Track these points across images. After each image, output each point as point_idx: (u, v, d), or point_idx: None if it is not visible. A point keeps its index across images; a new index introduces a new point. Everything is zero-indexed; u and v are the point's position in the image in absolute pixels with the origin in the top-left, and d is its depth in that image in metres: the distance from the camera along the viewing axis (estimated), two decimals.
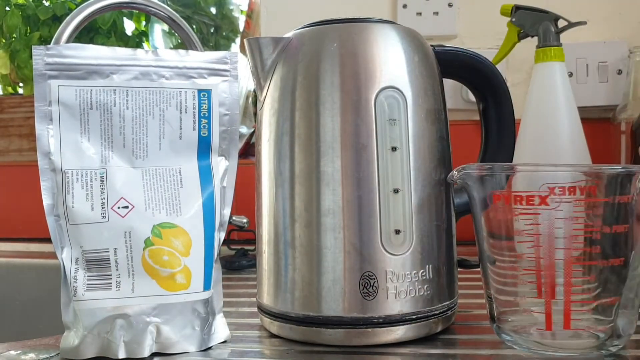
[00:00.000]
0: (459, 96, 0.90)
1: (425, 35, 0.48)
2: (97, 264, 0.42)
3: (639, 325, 0.48)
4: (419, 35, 0.47)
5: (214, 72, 0.47)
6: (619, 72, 0.86)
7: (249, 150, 1.02)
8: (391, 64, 0.44)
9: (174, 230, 0.43)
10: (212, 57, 0.47)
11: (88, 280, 0.42)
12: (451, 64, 0.49)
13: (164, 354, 0.42)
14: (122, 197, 0.43)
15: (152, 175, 0.44)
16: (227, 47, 1.12)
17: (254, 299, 0.49)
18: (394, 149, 0.43)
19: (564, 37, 0.70)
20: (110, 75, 0.44)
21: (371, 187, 0.42)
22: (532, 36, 0.72)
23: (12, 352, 0.44)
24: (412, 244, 0.43)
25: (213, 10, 1.10)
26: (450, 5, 0.93)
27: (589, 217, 0.39)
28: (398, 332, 0.43)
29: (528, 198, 0.39)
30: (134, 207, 0.43)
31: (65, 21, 0.66)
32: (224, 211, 0.47)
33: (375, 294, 0.42)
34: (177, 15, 0.75)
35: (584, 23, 0.71)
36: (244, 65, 0.74)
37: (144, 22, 1.16)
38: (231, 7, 1.13)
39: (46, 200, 0.43)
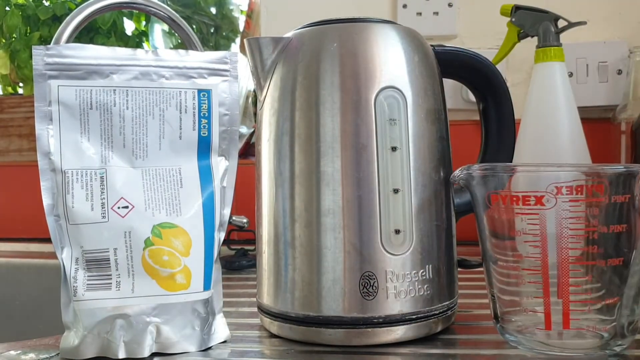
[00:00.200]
0: (459, 96, 0.90)
1: (425, 35, 0.48)
2: (97, 264, 0.42)
3: None
4: (419, 35, 0.47)
5: (214, 72, 0.47)
6: (619, 72, 0.86)
7: (249, 150, 1.02)
8: (391, 64, 0.44)
9: (174, 230, 0.43)
10: (212, 57, 0.47)
11: (88, 280, 0.42)
12: (451, 64, 0.49)
13: (164, 354, 0.42)
14: (122, 197, 0.43)
15: (152, 175, 0.44)
16: (227, 47, 1.12)
17: (254, 299, 0.49)
18: (394, 149, 0.43)
19: (564, 37, 0.70)
20: (110, 75, 0.44)
21: (371, 187, 0.42)
22: (532, 36, 0.72)
23: (12, 352, 0.44)
24: (412, 244, 0.43)
25: (213, 10, 1.10)
26: (450, 5, 0.93)
27: (589, 217, 0.39)
28: (398, 332, 0.43)
29: (524, 198, 0.39)
30: (134, 207, 0.43)
31: (65, 21, 0.66)
32: (224, 211, 0.47)
33: (375, 294, 0.42)
34: (177, 15, 0.75)
35: (584, 23, 0.71)
36: (244, 65, 0.74)
37: (144, 22, 1.17)
38: (231, 7, 1.13)
39: (46, 200, 0.43)
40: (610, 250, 0.39)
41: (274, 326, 0.46)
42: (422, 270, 0.43)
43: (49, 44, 0.62)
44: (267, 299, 0.46)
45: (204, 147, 0.46)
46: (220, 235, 0.46)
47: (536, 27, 0.71)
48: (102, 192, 0.43)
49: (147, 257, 0.42)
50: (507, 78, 0.87)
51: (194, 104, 0.46)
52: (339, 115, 0.43)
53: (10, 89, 1.19)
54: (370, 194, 0.42)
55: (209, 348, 0.44)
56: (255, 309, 0.49)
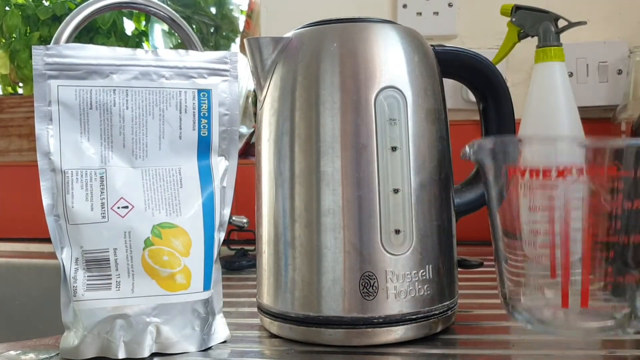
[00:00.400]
0: (459, 96, 0.90)
1: (425, 35, 0.48)
2: (97, 264, 0.42)
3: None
4: (419, 35, 0.47)
5: (214, 72, 0.47)
6: (619, 72, 0.86)
7: (249, 150, 1.02)
8: (391, 64, 0.44)
9: (173, 230, 0.43)
10: (212, 57, 0.47)
11: (88, 280, 0.42)
12: (451, 64, 0.49)
13: (164, 354, 0.42)
14: (121, 197, 0.43)
15: (152, 175, 0.44)
16: (227, 47, 1.12)
17: (254, 299, 0.49)
18: (394, 149, 0.43)
19: (564, 37, 0.70)
20: (110, 75, 0.44)
21: (371, 187, 0.42)
22: (532, 36, 0.72)
23: (12, 352, 0.44)
24: (412, 244, 0.43)
25: (213, 10, 1.10)
26: (450, 5, 0.93)
27: (613, 192, 0.37)
28: (398, 332, 0.43)
29: (545, 172, 0.37)
30: (133, 207, 0.43)
31: (65, 21, 0.66)
32: (224, 211, 0.47)
33: (375, 294, 0.42)
34: (177, 15, 0.75)
35: (584, 23, 0.71)
36: (244, 65, 0.74)
37: (144, 22, 1.17)
38: (231, 7, 1.13)
39: (46, 200, 0.43)
40: (633, 227, 0.37)
41: (274, 326, 0.46)
42: (422, 270, 0.43)
43: (49, 44, 0.62)
44: (267, 299, 0.46)
45: (204, 147, 0.46)
46: (220, 235, 0.46)
47: (536, 27, 0.71)
48: (102, 192, 0.43)
49: (147, 257, 0.42)
50: (507, 78, 0.87)
51: (194, 104, 0.46)
52: (339, 115, 0.43)
53: (10, 89, 1.19)
54: (370, 194, 0.42)
55: (209, 348, 0.44)
56: (255, 309, 0.49)
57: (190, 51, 0.46)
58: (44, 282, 0.89)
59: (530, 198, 0.39)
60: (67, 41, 0.65)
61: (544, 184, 0.37)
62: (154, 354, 0.42)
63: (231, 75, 0.47)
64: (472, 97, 0.65)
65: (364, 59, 0.44)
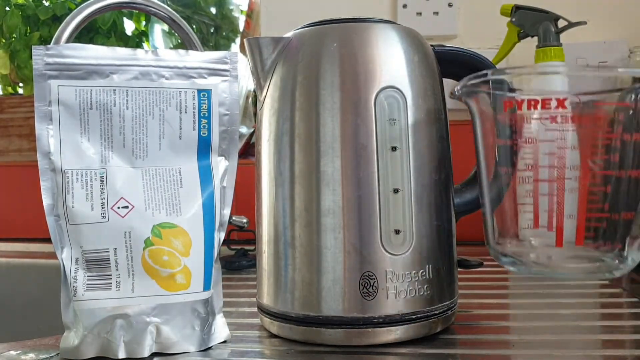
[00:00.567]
0: None
1: (425, 35, 0.48)
2: (97, 264, 0.42)
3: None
4: (419, 35, 0.47)
5: (214, 72, 0.47)
6: None
7: (249, 150, 1.02)
8: (391, 64, 0.44)
9: (173, 230, 0.43)
10: (212, 57, 0.47)
11: (88, 280, 0.42)
12: (451, 64, 0.49)
13: (164, 354, 0.42)
14: (122, 197, 0.43)
15: (152, 175, 0.44)
16: (227, 47, 1.12)
17: (254, 299, 0.49)
18: (394, 149, 0.43)
19: (564, 37, 0.70)
20: (110, 75, 0.44)
21: (371, 187, 0.42)
22: (532, 36, 0.72)
23: (12, 352, 0.44)
24: (412, 244, 0.43)
25: (213, 10, 1.11)
26: (450, 5, 0.93)
27: (613, 122, 0.35)
28: (398, 332, 0.43)
29: (544, 102, 0.36)
30: (133, 207, 0.43)
31: (65, 21, 0.66)
32: (224, 211, 0.47)
33: (375, 294, 0.42)
34: (177, 15, 0.75)
35: (584, 23, 0.71)
36: (244, 65, 0.74)
37: (144, 22, 1.17)
38: (231, 7, 1.13)
39: (46, 200, 0.43)
40: (631, 160, 0.35)
41: (274, 326, 0.46)
42: (422, 270, 0.43)
43: (49, 44, 0.62)
44: (267, 299, 0.46)
45: (204, 147, 0.46)
46: (220, 235, 0.46)
47: (536, 27, 0.71)
48: (102, 192, 0.43)
49: (147, 257, 0.42)
50: None
51: (194, 104, 0.46)
52: (339, 115, 0.43)
53: (10, 89, 1.19)
54: (370, 194, 0.42)
55: (209, 348, 0.44)
56: (255, 309, 0.49)
57: (190, 51, 0.47)
58: (44, 282, 0.89)
59: (527, 130, 0.37)
60: (67, 41, 0.65)
61: (542, 114, 0.36)
62: (154, 354, 0.42)
63: (231, 75, 0.47)
64: None
65: (364, 59, 0.44)
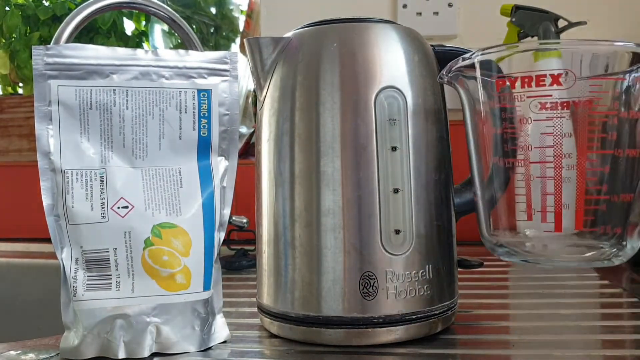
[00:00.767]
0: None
1: (425, 35, 0.48)
2: (97, 264, 0.42)
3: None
4: (419, 35, 0.47)
5: (214, 72, 0.47)
6: None
7: (249, 150, 1.02)
8: (391, 64, 0.44)
9: (173, 230, 0.43)
10: (212, 57, 0.47)
11: (88, 280, 0.42)
12: None
13: (164, 354, 0.42)
14: (121, 197, 0.43)
15: (152, 175, 0.44)
16: (227, 47, 1.12)
17: (254, 299, 0.49)
18: (394, 149, 0.43)
19: (564, 37, 0.70)
20: (110, 75, 0.44)
21: (371, 187, 0.42)
22: (532, 36, 0.72)
23: (12, 352, 0.44)
24: (412, 244, 0.43)
25: (213, 10, 1.11)
26: (450, 5, 0.93)
27: (610, 99, 0.34)
28: (398, 332, 0.43)
29: (538, 78, 0.34)
30: (133, 207, 0.43)
31: (65, 21, 0.66)
32: (224, 211, 0.47)
33: (375, 294, 0.42)
34: (177, 15, 0.75)
35: (584, 23, 0.71)
36: (244, 65, 0.74)
37: (144, 22, 1.17)
38: (231, 7, 1.13)
39: (46, 200, 0.43)
40: (629, 138, 0.34)
41: (274, 326, 0.46)
42: (422, 270, 0.43)
43: (49, 44, 0.62)
44: (267, 299, 0.46)
45: (203, 147, 0.46)
46: (220, 235, 0.46)
47: (536, 27, 0.71)
48: (102, 192, 0.43)
49: (147, 257, 0.42)
50: None
51: (193, 104, 0.46)
52: (339, 115, 0.43)
53: (10, 89, 1.19)
54: (370, 194, 0.42)
55: (209, 348, 0.44)
56: (255, 309, 0.49)
57: (190, 51, 0.46)
58: (44, 282, 0.89)
59: (521, 111, 0.35)
60: (67, 41, 0.65)
61: (536, 92, 0.34)
62: (154, 354, 0.42)
63: (231, 75, 0.47)
64: None
65: (364, 59, 0.44)
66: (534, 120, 0.35)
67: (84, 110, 0.43)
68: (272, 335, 0.46)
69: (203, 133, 0.46)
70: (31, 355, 0.43)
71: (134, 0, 0.70)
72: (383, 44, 0.44)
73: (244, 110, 0.97)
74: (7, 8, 1.10)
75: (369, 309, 0.42)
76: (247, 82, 0.95)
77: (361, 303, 0.42)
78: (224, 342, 0.45)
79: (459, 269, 0.48)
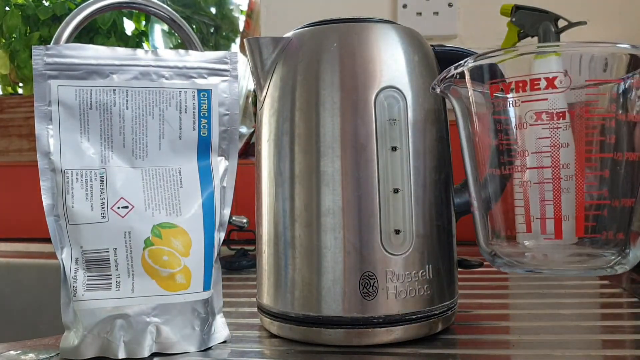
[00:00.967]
0: None
1: (425, 35, 0.48)
2: (96, 264, 0.42)
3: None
4: (419, 35, 0.47)
5: (214, 72, 0.47)
6: None
7: (249, 150, 1.02)
8: (391, 64, 0.44)
9: (173, 230, 0.43)
10: (212, 57, 0.47)
11: (88, 280, 0.42)
12: (451, 64, 0.48)
13: (164, 354, 0.42)
14: (121, 197, 0.43)
15: (152, 175, 0.44)
16: (227, 47, 1.12)
17: (254, 299, 0.49)
18: (394, 149, 0.43)
19: (564, 37, 0.70)
20: (110, 75, 0.44)
21: (371, 187, 0.42)
22: (532, 36, 0.72)
23: (12, 352, 0.44)
24: (412, 244, 0.43)
25: (213, 10, 1.11)
26: (450, 5, 0.93)
27: (607, 101, 0.33)
28: (398, 332, 0.43)
29: (533, 82, 0.33)
30: (133, 207, 0.43)
31: (65, 21, 0.66)
32: (224, 211, 0.47)
33: (375, 294, 0.42)
34: (177, 15, 0.75)
35: (584, 23, 0.71)
36: (244, 65, 0.74)
37: (144, 22, 1.17)
38: (231, 7, 1.13)
39: (46, 200, 0.43)
40: (628, 142, 0.33)
41: (274, 326, 0.46)
42: (422, 270, 0.43)
43: (49, 44, 0.62)
44: (267, 299, 0.46)
45: (203, 147, 0.46)
46: (220, 235, 0.46)
47: (536, 27, 0.71)
48: (102, 192, 0.43)
49: (147, 257, 0.42)
50: None
51: (193, 104, 0.46)
52: (339, 115, 0.43)
53: (10, 89, 1.19)
54: (370, 194, 0.42)
55: (209, 348, 0.44)
56: (255, 309, 0.49)
57: (190, 51, 0.46)
58: (44, 282, 0.89)
59: (518, 116, 0.35)
60: (67, 41, 0.65)
61: (531, 96, 0.34)
62: (154, 354, 0.42)
63: (231, 75, 0.47)
64: None
65: (364, 59, 0.44)
66: (530, 125, 0.34)
67: (84, 110, 0.43)
68: (272, 335, 0.46)
69: (203, 133, 0.46)
70: (31, 355, 0.43)
71: (134, 0, 0.70)
72: (383, 44, 0.44)
73: (244, 110, 0.97)
74: (7, 8, 1.10)
75: (368, 309, 0.42)
76: (247, 82, 0.95)
77: (361, 303, 0.42)
78: (224, 342, 0.45)
79: (459, 269, 0.48)
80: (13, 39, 1.10)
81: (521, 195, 0.36)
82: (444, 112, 0.47)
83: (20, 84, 1.16)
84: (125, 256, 0.42)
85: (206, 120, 0.46)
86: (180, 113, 0.45)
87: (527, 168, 0.35)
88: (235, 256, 0.82)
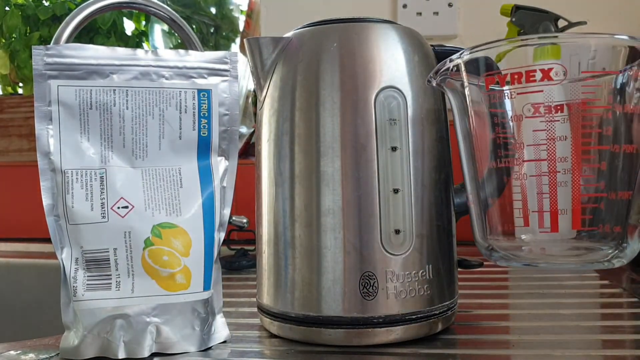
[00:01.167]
0: None
1: (425, 35, 0.48)
2: (96, 264, 0.42)
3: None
4: (419, 35, 0.47)
5: (214, 72, 0.47)
6: None
7: (249, 150, 1.02)
8: (391, 64, 0.44)
9: (173, 230, 0.43)
10: (212, 57, 0.47)
11: (88, 280, 0.42)
12: None
13: (164, 354, 0.42)
14: (121, 197, 0.43)
15: (152, 175, 0.44)
16: (227, 47, 1.12)
17: (254, 299, 0.49)
18: (394, 149, 0.43)
19: None
20: (110, 75, 0.44)
21: (371, 187, 0.42)
22: None
23: (12, 352, 0.44)
24: (412, 244, 0.43)
25: (213, 10, 1.10)
26: (450, 5, 0.93)
27: (603, 93, 0.33)
28: (398, 332, 0.43)
29: (528, 74, 0.33)
30: (133, 207, 0.43)
31: (65, 21, 0.66)
32: (224, 211, 0.47)
33: (375, 294, 0.42)
34: (177, 15, 0.75)
35: (584, 23, 0.71)
36: (244, 65, 0.74)
37: (144, 22, 1.17)
38: (231, 7, 1.13)
39: (46, 200, 0.43)
40: (625, 134, 0.33)
41: (274, 326, 0.46)
42: (422, 270, 0.43)
43: (49, 44, 0.62)
44: (267, 299, 0.46)
45: (203, 147, 0.46)
46: (220, 235, 0.46)
47: (536, 27, 0.71)
48: (102, 192, 0.43)
49: (147, 257, 0.42)
50: None
51: (193, 104, 0.46)
52: (339, 115, 0.43)
53: (10, 89, 1.19)
54: (370, 194, 0.42)
55: (209, 348, 0.44)
56: (255, 309, 0.49)
57: (190, 51, 0.47)
58: (44, 282, 0.89)
59: (513, 108, 0.35)
60: (67, 41, 0.65)
61: (527, 88, 0.33)
62: (154, 354, 0.42)
63: (231, 75, 0.47)
64: None
65: (364, 59, 0.44)
66: (526, 117, 0.34)
67: (84, 110, 0.43)
68: (272, 335, 0.46)
69: (203, 133, 0.46)
70: (31, 355, 0.43)
71: (134, 0, 0.70)
72: (383, 44, 0.44)
73: (244, 110, 0.97)
74: (7, 8, 1.10)
75: (368, 309, 0.42)
76: (247, 82, 0.95)
77: (361, 303, 0.42)
78: (224, 342, 0.45)
79: (459, 269, 0.48)
80: (13, 39, 1.10)
81: (518, 188, 0.36)
82: (443, 112, 0.47)
83: (20, 84, 1.16)
84: (125, 256, 0.42)
85: (206, 120, 0.46)
86: (180, 113, 0.45)
87: (524, 161, 0.35)
88: (235, 256, 0.82)
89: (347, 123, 0.43)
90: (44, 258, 0.92)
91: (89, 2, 0.67)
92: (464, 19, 0.93)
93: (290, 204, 0.44)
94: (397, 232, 0.43)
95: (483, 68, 0.37)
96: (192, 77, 0.46)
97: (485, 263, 0.51)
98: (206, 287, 0.44)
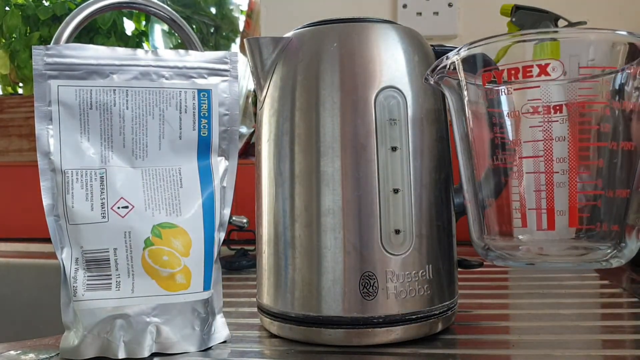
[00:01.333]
0: None
1: (425, 35, 0.48)
2: (97, 264, 0.42)
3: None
4: (419, 35, 0.47)
5: (214, 72, 0.47)
6: None
7: (249, 150, 1.02)
8: (391, 64, 0.44)
9: (173, 230, 0.43)
10: (212, 57, 0.47)
11: (88, 280, 0.42)
12: None
13: (164, 354, 0.42)
14: (121, 197, 0.43)
15: (152, 175, 0.44)
16: (227, 47, 1.12)
17: (254, 299, 0.49)
18: (394, 148, 0.43)
19: None
20: (110, 75, 0.44)
21: (371, 187, 0.42)
22: None
23: (12, 352, 0.44)
24: (412, 244, 0.43)
25: (213, 10, 1.11)
26: (450, 5, 0.93)
27: (601, 89, 0.32)
28: (398, 332, 0.43)
29: (525, 69, 0.33)
30: (133, 207, 0.43)
31: (65, 21, 0.66)
32: (224, 211, 0.47)
33: (375, 294, 0.42)
34: (177, 15, 0.75)
35: (584, 23, 0.71)
36: (244, 65, 0.74)
37: (144, 22, 1.17)
38: (231, 7, 1.13)
39: (46, 200, 0.43)
40: (623, 131, 0.33)
41: (274, 326, 0.46)
42: (422, 270, 0.43)
43: (49, 44, 0.62)
44: (267, 299, 0.46)
45: (204, 147, 0.46)
46: (220, 235, 0.46)
47: (536, 27, 0.71)
48: (102, 192, 0.43)
49: (147, 257, 0.42)
50: None
51: (193, 104, 0.46)
52: (339, 115, 0.43)
53: (10, 89, 1.19)
54: (370, 194, 0.42)
55: (209, 348, 0.44)
56: (255, 309, 0.49)
57: (190, 51, 0.47)
58: (44, 282, 0.89)
59: (510, 105, 0.34)
60: (67, 41, 0.65)
61: (524, 84, 0.33)
62: (154, 354, 0.42)
63: (231, 75, 0.47)
64: None
65: (364, 59, 0.44)
66: (523, 114, 0.34)
67: (84, 110, 0.43)
68: (272, 335, 0.46)
69: (203, 133, 0.46)
70: (31, 355, 0.43)
71: (134, 0, 0.70)
72: (383, 44, 0.44)
73: (244, 110, 0.97)
74: (7, 8, 1.10)
75: (368, 309, 0.42)
76: (247, 82, 0.95)
77: (361, 303, 0.42)
78: (224, 342, 0.45)
79: (459, 269, 0.48)
80: (13, 39, 1.10)
81: (516, 187, 0.36)
82: (443, 112, 0.47)
83: (20, 84, 1.16)
84: (125, 256, 0.42)
85: (206, 120, 0.46)
86: (180, 113, 0.45)
87: (521, 158, 0.34)
88: (235, 256, 0.82)
89: (347, 123, 0.43)
90: (44, 258, 0.92)
91: (89, 2, 0.67)
92: (464, 19, 0.93)
93: (290, 204, 0.44)
94: (397, 232, 0.43)
95: (480, 65, 0.37)
96: (192, 77, 0.46)
97: (485, 263, 0.50)
98: (206, 287, 0.44)
